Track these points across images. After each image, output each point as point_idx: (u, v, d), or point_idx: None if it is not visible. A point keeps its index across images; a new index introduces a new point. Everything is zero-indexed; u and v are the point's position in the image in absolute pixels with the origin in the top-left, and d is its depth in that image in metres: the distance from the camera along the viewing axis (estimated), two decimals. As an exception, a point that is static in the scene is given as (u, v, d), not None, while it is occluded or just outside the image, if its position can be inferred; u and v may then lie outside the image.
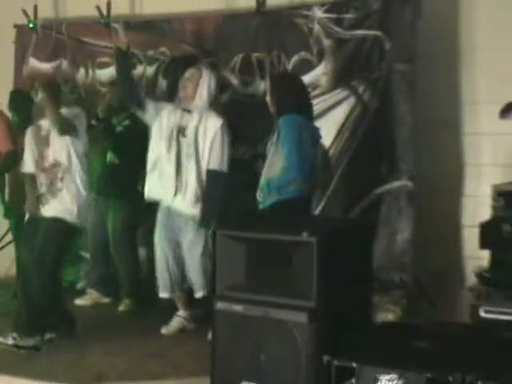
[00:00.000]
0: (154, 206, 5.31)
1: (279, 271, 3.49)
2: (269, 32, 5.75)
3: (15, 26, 6.61)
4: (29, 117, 5.61)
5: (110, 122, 5.78)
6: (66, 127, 4.83)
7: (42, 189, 4.96)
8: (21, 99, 5.90)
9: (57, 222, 4.86)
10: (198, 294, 5.06)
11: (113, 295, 6.02)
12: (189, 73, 5.08)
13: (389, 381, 3.14)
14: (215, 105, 5.14)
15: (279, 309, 3.45)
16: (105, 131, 5.77)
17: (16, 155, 5.58)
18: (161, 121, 5.07)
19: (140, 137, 5.55)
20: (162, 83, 6.14)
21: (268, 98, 4.74)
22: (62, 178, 4.91)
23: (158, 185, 5.07)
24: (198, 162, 4.97)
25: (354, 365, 3.21)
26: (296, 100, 4.63)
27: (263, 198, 4.53)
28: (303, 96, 4.77)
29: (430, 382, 3.05)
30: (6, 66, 6.55)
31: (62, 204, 4.90)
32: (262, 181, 4.57)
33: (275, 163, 4.50)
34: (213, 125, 4.97)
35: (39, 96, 5.01)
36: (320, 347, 3.35)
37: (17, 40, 6.62)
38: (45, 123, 5.00)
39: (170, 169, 5.02)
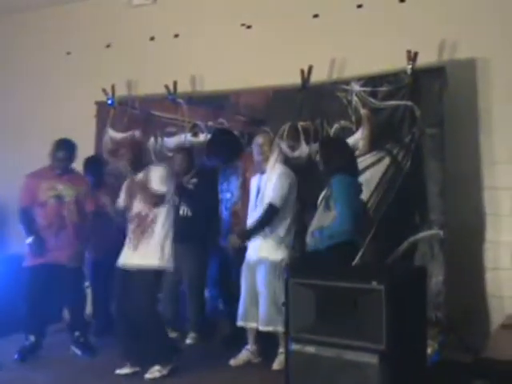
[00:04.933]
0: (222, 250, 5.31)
1: (347, 315, 3.21)
2: (312, 103, 5.50)
3: (96, 102, 6.46)
4: (102, 178, 5.58)
5: (180, 181, 5.46)
6: (156, 202, 4.51)
7: (131, 235, 4.58)
8: (93, 164, 5.74)
9: (145, 269, 4.48)
10: (261, 328, 4.69)
11: (180, 330, 5.65)
12: (261, 138, 4.88)
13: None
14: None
15: (350, 350, 3.15)
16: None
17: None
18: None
19: (208, 192, 5.38)
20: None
21: (318, 159, 4.56)
22: (148, 228, 4.52)
23: None
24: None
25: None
26: (343, 160, 4.47)
27: (314, 242, 4.32)
28: (348, 156, 4.58)
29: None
30: (88, 136, 6.38)
31: (149, 251, 4.50)
32: (313, 228, 4.36)
33: (327, 215, 4.30)
34: (275, 172, 4.76)
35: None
36: (390, 386, 3.00)
37: (97, 114, 6.47)
38: (138, 176, 4.65)
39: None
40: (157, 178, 4.55)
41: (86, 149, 6.05)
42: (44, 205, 5.10)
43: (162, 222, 4.54)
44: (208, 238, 5.50)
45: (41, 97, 6.83)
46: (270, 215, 4.69)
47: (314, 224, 4.39)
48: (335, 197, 4.26)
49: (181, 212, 5.42)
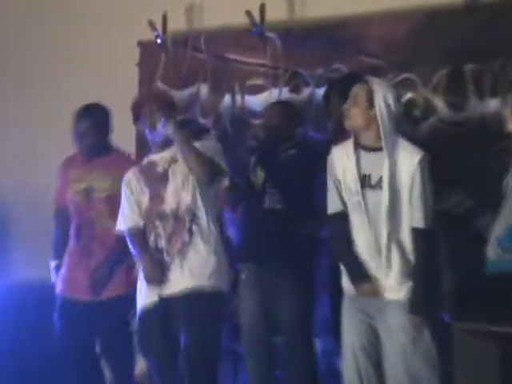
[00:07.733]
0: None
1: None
2: (486, 34, 5.14)
3: (139, 43, 6.26)
4: None
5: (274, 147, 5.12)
6: (215, 174, 4.51)
7: (161, 243, 4.57)
8: None
9: (200, 295, 4.44)
10: None
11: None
12: (352, 92, 4.39)
13: None
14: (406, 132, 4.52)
15: None
16: (261, 162, 5.09)
17: None
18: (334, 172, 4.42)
19: (310, 173, 4.96)
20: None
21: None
22: (191, 228, 4.52)
23: None
24: (397, 223, 4.23)
25: None
26: None
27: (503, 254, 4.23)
28: None
29: None
30: (129, 90, 6.09)
31: (196, 264, 4.48)
32: (501, 230, 4.28)
33: None
34: (407, 163, 4.21)
35: (169, 130, 4.57)
36: None
37: (141, 61, 6.27)
38: (161, 156, 4.67)
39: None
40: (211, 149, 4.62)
41: (123, 111, 5.64)
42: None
43: (211, 216, 4.56)
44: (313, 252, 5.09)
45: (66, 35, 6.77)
46: (427, 246, 4.27)
47: (502, 223, 4.27)
48: None
49: (266, 202, 5.00)
